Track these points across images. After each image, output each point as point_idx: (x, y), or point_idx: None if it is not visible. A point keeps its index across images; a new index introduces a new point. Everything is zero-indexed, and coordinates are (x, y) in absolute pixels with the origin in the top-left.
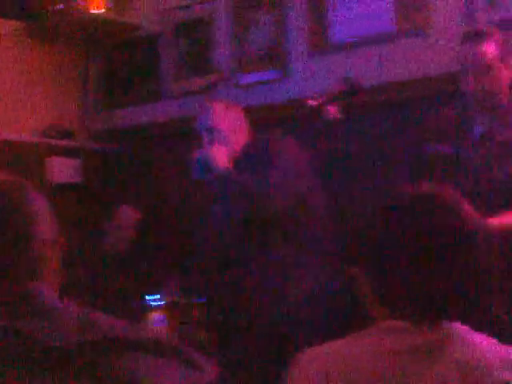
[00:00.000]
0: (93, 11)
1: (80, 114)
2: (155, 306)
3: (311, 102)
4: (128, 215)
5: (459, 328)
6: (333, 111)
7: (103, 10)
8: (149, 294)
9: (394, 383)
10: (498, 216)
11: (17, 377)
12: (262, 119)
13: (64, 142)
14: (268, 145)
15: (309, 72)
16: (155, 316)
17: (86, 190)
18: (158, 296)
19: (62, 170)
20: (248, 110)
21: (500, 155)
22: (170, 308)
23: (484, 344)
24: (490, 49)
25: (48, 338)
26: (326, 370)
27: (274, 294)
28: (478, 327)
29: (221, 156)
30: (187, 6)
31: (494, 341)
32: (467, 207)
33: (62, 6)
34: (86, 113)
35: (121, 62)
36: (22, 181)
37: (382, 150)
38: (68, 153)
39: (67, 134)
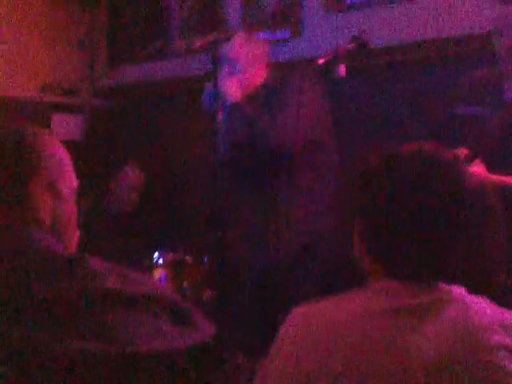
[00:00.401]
0: None
1: (84, 70)
2: (157, 265)
3: (320, 61)
4: (132, 177)
5: (456, 290)
6: (341, 70)
7: None
8: (151, 253)
9: (384, 343)
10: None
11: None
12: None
13: (67, 99)
14: (287, 83)
15: (322, 31)
16: (158, 273)
17: (90, 148)
18: (159, 254)
19: (66, 126)
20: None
21: None
22: (171, 266)
23: (481, 306)
24: None
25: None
26: (314, 330)
27: (270, 235)
28: (479, 291)
29: (234, 88)
30: None
31: (492, 304)
32: (463, 166)
33: None
34: (90, 69)
35: (127, 17)
36: (45, 130)
37: (396, 111)
38: (72, 109)
39: (71, 91)
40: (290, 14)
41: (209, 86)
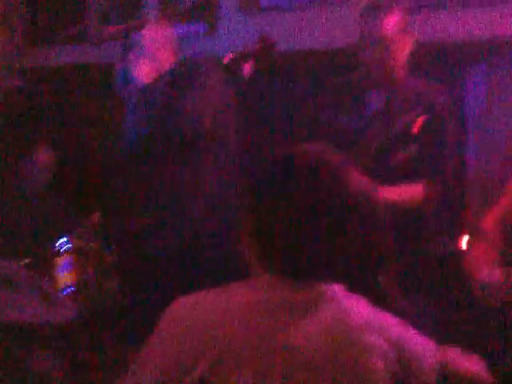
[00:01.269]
0: None
1: (1, 48)
2: (64, 250)
3: (225, 58)
4: (45, 156)
5: (335, 290)
6: (246, 69)
7: None
8: (60, 238)
9: (263, 336)
10: (393, 186)
11: None
12: None
13: None
14: (194, 65)
15: (237, 30)
16: (63, 260)
17: (3, 128)
18: (66, 240)
19: None
20: None
21: (395, 134)
22: (77, 253)
23: (357, 306)
24: (388, 22)
25: None
26: (196, 317)
27: (180, 208)
28: (359, 291)
29: (144, 70)
30: None
31: (369, 305)
32: (350, 168)
33: None
34: (7, 48)
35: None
36: None
37: (283, 112)
38: None
39: None
40: (207, 9)
41: (119, 69)
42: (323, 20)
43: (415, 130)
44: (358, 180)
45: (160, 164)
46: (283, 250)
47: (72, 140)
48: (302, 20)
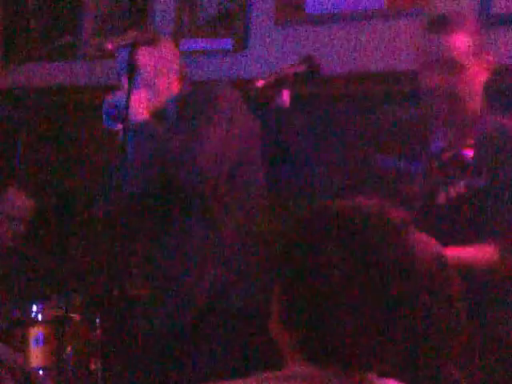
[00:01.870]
0: None
1: None
2: (34, 320)
3: (258, 83)
4: (18, 201)
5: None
6: (284, 96)
7: None
8: (33, 304)
9: None
10: (459, 248)
11: None
12: None
13: None
14: (206, 96)
15: (272, 47)
16: (35, 332)
17: None
18: (39, 307)
19: None
20: None
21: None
22: (53, 324)
23: None
24: (459, 41)
25: None
26: None
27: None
28: None
29: (140, 102)
30: None
31: None
32: (416, 232)
33: None
34: None
35: (29, 5)
36: None
37: (327, 150)
38: None
39: None
40: (235, 21)
41: (109, 100)
42: (380, 35)
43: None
44: (425, 244)
45: (165, 218)
46: (327, 334)
47: (55, 182)
48: (355, 34)
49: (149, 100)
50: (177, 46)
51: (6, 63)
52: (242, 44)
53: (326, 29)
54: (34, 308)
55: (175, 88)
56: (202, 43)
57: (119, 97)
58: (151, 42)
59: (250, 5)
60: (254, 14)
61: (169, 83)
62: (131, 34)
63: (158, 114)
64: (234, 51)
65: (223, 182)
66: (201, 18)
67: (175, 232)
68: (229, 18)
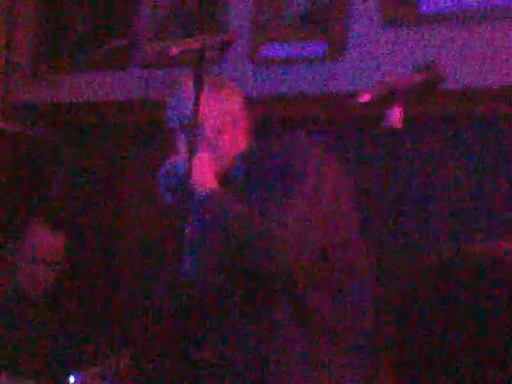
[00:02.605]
0: None
1: None
2: None
3: (364, 97)
4: (46, 240)
5: None
6: (395, 115)
7: None
8: (70, 374)
9: None
10: None
11: None
12: (286, 118)
13: None
14: (284, 157)
15: (377, 52)
16: None
17: None
18: (77, 379)
19: None
20: (266, 101)
21: None
22: None
23: None
24: None
25: None
26: None
27: None
28: None
29: (204, 169)
30: None
31: None
32: None
33: None
34: (4, 76)
35: (69, 2)
36: None
37: (450, 181)
38: None
39: None
40: (330, 22)
41: (167, 168)
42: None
43: None
44: None
45: (241, 315)
46: None
47: (95, 219)
48: (481, 38)
49: (214, 166)
50: (255, 53)
51: (40, 74)
52: (340, 50)
53: (444, 31)
54: (72, 380)
55: (242, 144)
56: (287, 49)
57: (177, 164)
58: (212, 90)
59: (351, 2)
60: (355, 13)
61: (234, 140)
62: (202, 37)
63: (223, 180)
64: (330, 59)
65: (314, 272)
66: (286, 18)
67: (252, 332)
68: (323, 18)
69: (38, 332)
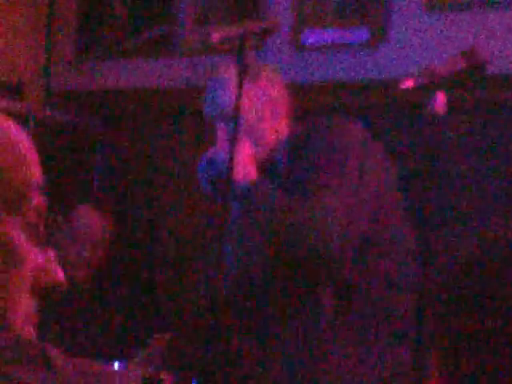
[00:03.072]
0: None
1: (36, 65)
2: None
3: (407, 83)
4: (90, 222)
5: None
6: (440, 100)
7: None
8: (114, 362)
9: None
10: None
11: None
12: (328, 105)
13: (7, 103)
14: (326, 143)
15: (420, 37)
16: None
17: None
18: (121, 365)
19: None
20: (308, 88)
21: None
22: None
23: None
24: None
25: None
26: None
27: None
28: None
29: (246, 159)
30: None
31: None
32: None
33: None
34: (46, 63)
35: None
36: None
37: (494, 170)
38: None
39: (14, 91)
40: (372, 7)
41: (207, 157)
42: None
43: None
44: None
45: (285, 308)
46: None
47: (138, 205)
48: None
49: (255, 155)
50: (298, 39)
51: (82, 60)
52: (382, 35)
53: (491, 16)
54: (116, 367)
55: (283, 132)
56: (329, 35)
57: (217, 154)
58: (251, 79)
59: None
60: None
61: (275, 128)
62: (243, 23)
63: (265, 169)
64: (372, 44)
65: (359, 257)
66: (328, 4)
67: (297, 325)
68: (364, 3)
69: (84, 317)
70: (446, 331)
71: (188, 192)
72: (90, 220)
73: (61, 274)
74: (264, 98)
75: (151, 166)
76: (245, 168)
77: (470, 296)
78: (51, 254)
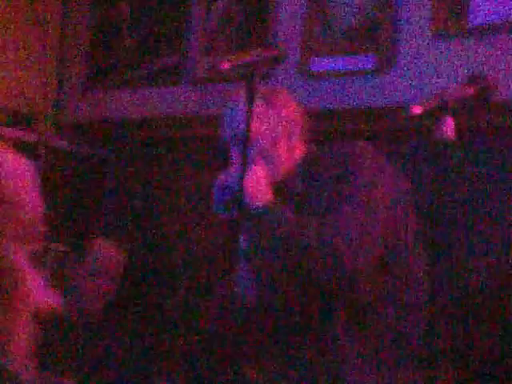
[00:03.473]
0: None
1: (46, 95)
2: None
3: (415, 110)
4: (107, 254)
5: None
6: (448, 126)
7: None
8: None
9: None
10: None
11: None
12: (336, 132)
13: (17, 133)
14: (342, 164)
15: (427, 64)
16: None
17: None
18: None
19: None
20: (316, 115)
21: None
22: None
23: None
24: None
25: None
26: None
27: None
28: None
29: (259, 182)
30: None
31: None
32: None
33: None
34: (57, 94)
35: (118, 20)
36: None
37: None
38: (22, 149)
39: (24, 122)
40: (380, 35)
41: (221, 181)
42: None
43: None
44: None
45: (298, 333)
46: None
47: (149, 235)
48: None
49: (268, 175)
50: (305, 67)
51: (92, 90)
52: (390, 62)
53: (494, 42)
54: None
55: (298, 153)
56: (337, 62)
57: (232, 177)
58: (266, 101)
59: (400, 14)
60: (405, 26)
61: (290, 149)
62: (252, 52)
63: (281, 190)
64: (379, 71)
65: (373, 279)
66: (336, 31)
67: (313, 347)
68: (372, 31)
69: (95, 347)
70: (458, 350)
71: (198, 218)
72: (106, 253)
73: (56, 299)
74: (279, 121)
75: (162, 194)
76: (257, 190)
77: (482, 315)
78: (43, 278)
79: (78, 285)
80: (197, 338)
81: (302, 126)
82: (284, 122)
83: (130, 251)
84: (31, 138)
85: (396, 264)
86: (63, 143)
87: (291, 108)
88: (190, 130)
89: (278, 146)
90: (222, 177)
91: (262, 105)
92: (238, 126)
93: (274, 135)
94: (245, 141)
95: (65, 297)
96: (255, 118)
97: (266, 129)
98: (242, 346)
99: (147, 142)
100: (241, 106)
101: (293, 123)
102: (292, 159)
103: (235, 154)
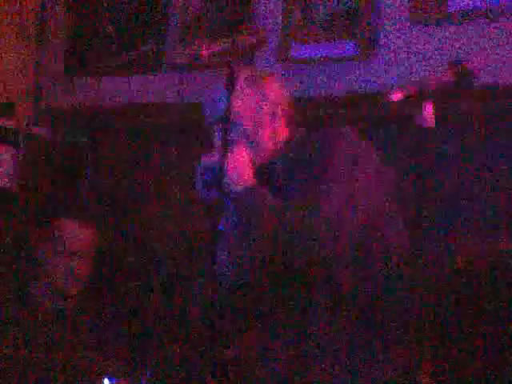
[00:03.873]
0: None
1: (25, 83)
2: None
3: (395, 96)
4: (78, 234)
5: None
6: (428, 112)
7: None
8: (104, 378)
9: None
10: None
11: None
12: (316, 118)
13: None
14: (324, 148)
15: (406, 51)
16: None
17: (23, 197)
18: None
19: None
20: (298, 102)
21: None
22: None
23: None
24: None
25: None
26: None
27: None
28: None
29: (240, 165)
30: None
31: None
32: None
33: None
34: (36, 81)
35: (98, 7)
36: None
37: (481, 182)
38: (1, 136)
39: (3, 109)
40: (360, 21)
41: (205, 163)
42: None
43: None
44: None
45: (277, 313)
46: None
47: (127, 220)
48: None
49: (251, 158)
50: (285, 53)
51: (73, 77)
52: (370, 49)
53: (473, 28)
54: (106, 382)
55: (282, 136)
56: (318, 49)
57: (214, 159)
58: (249, 83)
59: (380, 1)
60: (385, 12)
61: (274, 132)
62: (232, 38)
63: (263, 173)
64: (359, 57)
65: (356, 264)
66: (316, 18)
67: (291, 327)
68: (352, 17)
69: (75, 330)
70: (441, 332)
71: (178, 205)
72: (75, 232)
73: None
74: (263, 103)
75: (139, 181)
76: (241, 172)
77: (467, 300)
78: None
79: (49, 264)
80: (177, 323)
81: (287, 110)
82: (268, 105)
83: (112, 238)
84: (10, 125)
85: (377, 248)
86: (42, 130)
87: (276, 92)
88: (170, 116)
89: (261, 129)
90: (205, 158)
91: (246, 87)
92: (219, 110)
93: (257, 118)
94: (226, 123)
95: (39, 280)
96: (239, 100)
97: (250, 111)
98: (222, 326)
99: (127, 128)
100: (222, 90)
101: (277, 107)
102: (275, 143)
103: (217, 138)
